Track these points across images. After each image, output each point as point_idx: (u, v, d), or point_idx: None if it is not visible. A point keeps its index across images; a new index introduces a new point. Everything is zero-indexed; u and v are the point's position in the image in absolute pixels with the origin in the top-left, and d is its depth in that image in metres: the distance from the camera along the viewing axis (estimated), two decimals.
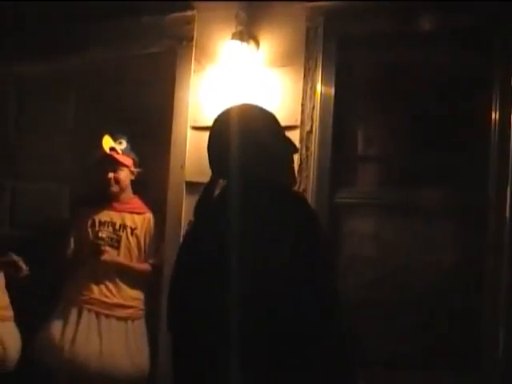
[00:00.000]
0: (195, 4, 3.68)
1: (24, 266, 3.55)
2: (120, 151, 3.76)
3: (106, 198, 3.83)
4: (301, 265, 1.81)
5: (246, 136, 2.04)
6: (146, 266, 3.78)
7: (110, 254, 3.70)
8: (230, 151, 2.02)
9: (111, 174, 3.76)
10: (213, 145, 2.11)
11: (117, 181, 3.79)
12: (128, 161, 3.79)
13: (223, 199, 2.04)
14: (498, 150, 3.13)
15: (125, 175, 3.80)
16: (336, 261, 3.41)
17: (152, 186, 3.91)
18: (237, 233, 1.86)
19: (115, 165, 3.76)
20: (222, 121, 2.12)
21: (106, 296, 3.68)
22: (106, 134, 3.76)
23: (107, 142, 3.74)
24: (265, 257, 1.82)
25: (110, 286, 3.70)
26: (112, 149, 3.74)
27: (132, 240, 3.76)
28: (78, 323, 3.63)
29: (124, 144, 3.78)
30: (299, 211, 1.91)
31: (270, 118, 2.16)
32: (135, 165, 3.84)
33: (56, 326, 3.64)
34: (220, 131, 2.10)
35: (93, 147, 3.86)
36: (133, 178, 3.85)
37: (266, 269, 1.80)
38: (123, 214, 3.81)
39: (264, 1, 3.54)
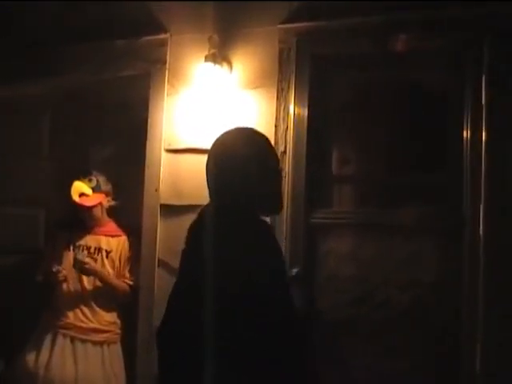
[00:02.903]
0: (168, 27, 3.70)
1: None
2: (91, 191, 3.77)
3: (82, 222, 3.82)
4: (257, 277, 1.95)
5: (228, 162, 2.14)
6: (124, 284, 3.76)
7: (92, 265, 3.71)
8: (212, 175, 2.17)
9: (86, 214, 3.80)
10: (205, 167, 2.21)
11: (91, 218, 3.82)
12: (99, 198, 3.81)
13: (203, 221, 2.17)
14: (470, 169, 3.14)
15: (98, 210, 3.84)
16: (314, 281, 3.41)
17: (127, 209, 3.90)
18: (210, 254, 2.00)
19: (85, 208, 3.79)
20: (214, 145, 2.22)
21: (82, 321, 3.66)
22: (76, 177, 3.78)
23: (76, 191, 3.75)
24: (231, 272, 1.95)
25: (86, 310, 3.68)
26: (82, 194, 3.75)
27: (107, 263, 3.76)
28: (52, 348, 3.60)
29: (94, 181, 3.80)
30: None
31: (259, 145, 2.21)
32: (108, 194, 3.87)
33: (31, 352, 3.62)
34: (210, 155, 2.21)
35: (67, 171, 3.91)
36: (107, 206, 3.87)
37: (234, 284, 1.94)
38: (98, 237, 3.82)
39: (237, 3, 3.56)
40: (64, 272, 3.67)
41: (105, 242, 3.79)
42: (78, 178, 3.77)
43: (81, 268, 3.66)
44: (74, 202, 3.74)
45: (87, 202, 3.76)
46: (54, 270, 3.65)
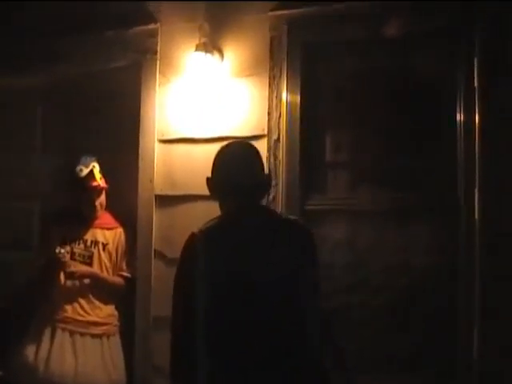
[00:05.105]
0: (158, 17, 3.67)
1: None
2: (100, 176, 3.76)
3: (77, 215, 3.80)
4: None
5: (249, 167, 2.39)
6: (119, 279, 3.76)
7: (81, 266, 3.69)
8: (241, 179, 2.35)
9: (97, 201, 3.77)
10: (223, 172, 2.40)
11: (101, 206, 3.81)
12: (103, 181, 3.79)
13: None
14: (464, 152, 3.14)
15: (104, 197, 3.82)
16: None
17: (122, 200, 3.88)
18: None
19: (100, 192, 3.77)
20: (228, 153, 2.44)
21: (80, 314, 3.65)
22: (90, 162, 3.76)
23: (98, 175, 3.73)
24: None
25: (84, 303, 3.67)
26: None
27: (104, 255, 3.75)
28: (51, 343, 3.59)
29: (97, 166, 3.76)
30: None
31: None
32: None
33: (29, 347, 3.60)
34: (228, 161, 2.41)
35: (60, 163, 3.95)
36: None
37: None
38: (94, 230, 3.80)
39: (228, 0, 3.55)
40: (67, 254, 3.63)
41: (101, 235, 3.77)
42: (85, 165, 3.73)
43: (72, 278, 3.65)
44: (96, 187, 3.72)
45: (104, 185, 3.77)
46: (56, 251, 3.60)
